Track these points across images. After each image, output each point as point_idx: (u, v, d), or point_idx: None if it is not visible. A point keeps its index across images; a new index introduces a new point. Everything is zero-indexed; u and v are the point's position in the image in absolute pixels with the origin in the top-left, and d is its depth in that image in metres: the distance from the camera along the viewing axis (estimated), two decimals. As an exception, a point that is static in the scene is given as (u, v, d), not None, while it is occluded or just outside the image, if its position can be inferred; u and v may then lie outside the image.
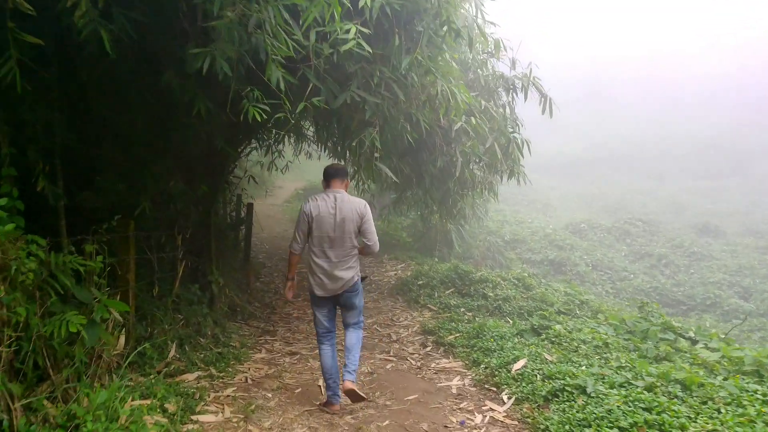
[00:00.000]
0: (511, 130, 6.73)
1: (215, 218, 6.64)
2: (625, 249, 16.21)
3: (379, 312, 7.45)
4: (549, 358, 4.37)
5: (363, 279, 3.86)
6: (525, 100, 7.01)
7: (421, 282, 8.42)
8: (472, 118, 5.48)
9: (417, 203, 8.44)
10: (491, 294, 7.45)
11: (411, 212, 15.20)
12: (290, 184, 22.48)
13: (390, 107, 4.25)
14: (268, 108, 3.34)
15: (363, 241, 3.67)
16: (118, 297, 4.05)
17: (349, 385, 3.60)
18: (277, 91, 3.35)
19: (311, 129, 10.81)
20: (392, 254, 11.76)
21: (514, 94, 7.00)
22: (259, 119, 3.23)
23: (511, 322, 6.49)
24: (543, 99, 6.92)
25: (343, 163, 11.38)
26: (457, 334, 5.80)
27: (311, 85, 3.69)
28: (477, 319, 6.63)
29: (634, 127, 35.82)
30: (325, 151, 12.09)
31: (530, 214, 21.62)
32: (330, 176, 3.68)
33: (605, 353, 4.47)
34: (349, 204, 3.56)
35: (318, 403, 3.90)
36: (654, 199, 25.58)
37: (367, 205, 3.66)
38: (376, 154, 4.56)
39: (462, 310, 7.17)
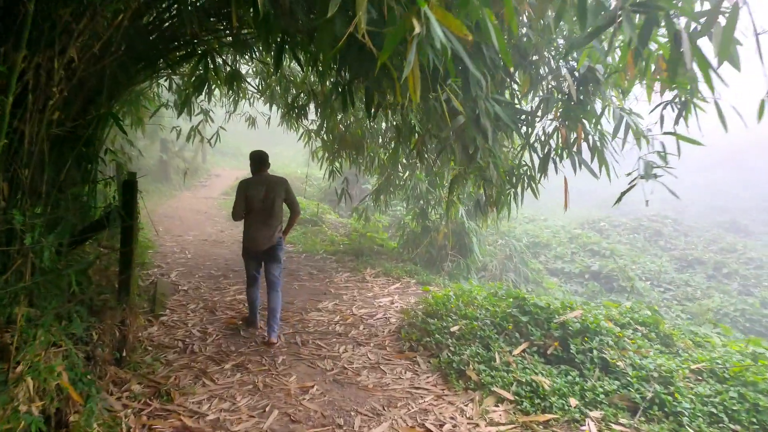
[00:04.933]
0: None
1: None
2: (664, 254, 12.74)
3: (391, 400, 3.58)
4: None
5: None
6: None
7: (455, 327, 4.61)
8: None
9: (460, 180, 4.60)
10: (622, 365, 3.71)
11: (393, 207, 11.43)
12: (230, 172, 17.95)
13: None
14: None
15: (291, 210, 4.61)
16: None
17: (272, 341, 4.44)
18: None
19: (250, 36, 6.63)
20: (377, 266, 7.85)
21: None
22: None
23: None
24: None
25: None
26: None
27: None
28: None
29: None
30: (276, 112, 8.07)
31: (523, 210, 18.20)
32: (258, 162, 4.59)
33: None
34: (275, 183, 4.50)
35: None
36: (650, 192, 22.87)
37: (287, 181, 4.58)
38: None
39: (571, 402, 3.41)
